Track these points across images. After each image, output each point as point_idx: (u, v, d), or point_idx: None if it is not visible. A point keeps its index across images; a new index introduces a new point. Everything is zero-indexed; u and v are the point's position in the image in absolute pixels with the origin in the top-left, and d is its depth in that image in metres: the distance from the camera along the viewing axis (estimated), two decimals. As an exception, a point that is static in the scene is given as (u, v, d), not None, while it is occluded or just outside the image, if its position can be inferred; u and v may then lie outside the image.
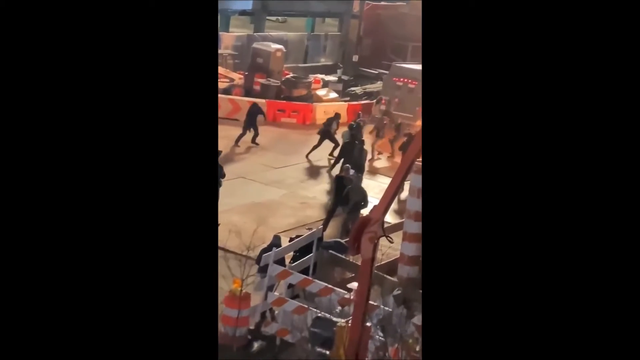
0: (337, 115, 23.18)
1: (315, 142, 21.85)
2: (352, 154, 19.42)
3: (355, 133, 20.65)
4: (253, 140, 22.18)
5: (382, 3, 41.45)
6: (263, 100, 25.51)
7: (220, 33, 30.53)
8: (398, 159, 20.08)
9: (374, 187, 18.14)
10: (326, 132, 21.91)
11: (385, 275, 10.44)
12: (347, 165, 17.16)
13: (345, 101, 29.39)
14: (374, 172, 20.98)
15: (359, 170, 18.42)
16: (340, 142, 20.88)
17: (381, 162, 22.42)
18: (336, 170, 20.17)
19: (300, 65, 35.33)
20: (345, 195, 15.23)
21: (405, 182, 9.25)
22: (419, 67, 27.57)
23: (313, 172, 20.87)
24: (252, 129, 22.22)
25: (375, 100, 26.73)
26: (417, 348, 7.93)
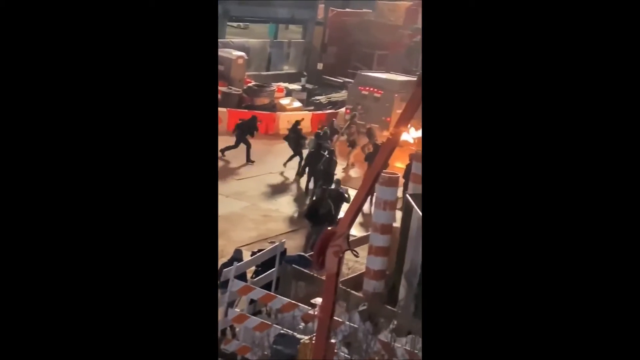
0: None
1: (278, 151, 21.86)
2: (318, 164, 19.39)
3: (321, 142, 20.62)
4: (248, 158, 21.99)
5: (348, 10, 41.68)
6: (224, 109, 25.41)
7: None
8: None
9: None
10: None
11: (350, 291, 10.44)
12: (338, 179, 17.17)
13: (309, 110, 29.41)
14: (346, 183, 20.74)
15: (328, 181, 18.42)
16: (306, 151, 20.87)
17: (355, 173, 22.24)
18: (303, 181, 20.19)
19: (262, 73, 35.31)
20: (309, 207, 15.22)
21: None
22: (384, 75, 27.78)
23: (276, 183, 20.82)
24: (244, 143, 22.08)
25: (351, 115, 26.52)
26: (384, 365, 7.95)
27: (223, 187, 19.12)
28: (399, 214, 12.19)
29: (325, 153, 19.68)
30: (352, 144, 23.13)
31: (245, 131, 22.33)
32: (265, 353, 9.00)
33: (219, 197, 17.89)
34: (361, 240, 11.99)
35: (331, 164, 19.50)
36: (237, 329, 10.82)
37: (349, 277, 10.86)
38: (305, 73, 36.46)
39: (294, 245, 14.85)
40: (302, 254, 12.63)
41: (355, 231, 13.57)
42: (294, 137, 21.79)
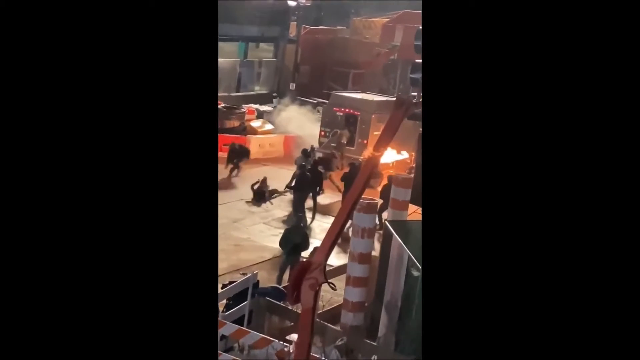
0: None
1: (251, 176, 21.93)
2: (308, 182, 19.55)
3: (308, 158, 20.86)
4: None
5: (321, 27, 41.94)
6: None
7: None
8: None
9: (315, 227, 18.17)
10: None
11: (327, 324, 10.38)
12: None
13: (281, 133, 29.45)
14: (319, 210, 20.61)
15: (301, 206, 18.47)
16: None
17: (325, 200, 21.82)
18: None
19: (232, 94, 35.37)
20: (283, 236, 15.13)
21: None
22: (360, 95, 27.91)
23: (247, 211, 20.74)
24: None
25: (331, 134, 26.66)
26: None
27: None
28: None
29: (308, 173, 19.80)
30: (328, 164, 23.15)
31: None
32: (238, 393, 8.91)
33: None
34: (338, 270, 11.96)
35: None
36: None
37: (325, 309, 10.82)
38: (276, 94, 36.54)
39: (267, 276, 14.76)
40: (276, 285, 12.59)
41: (332, 260, 13.51)
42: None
